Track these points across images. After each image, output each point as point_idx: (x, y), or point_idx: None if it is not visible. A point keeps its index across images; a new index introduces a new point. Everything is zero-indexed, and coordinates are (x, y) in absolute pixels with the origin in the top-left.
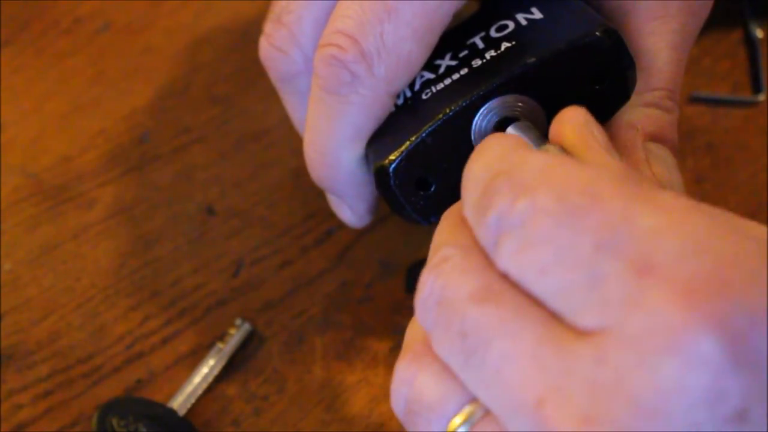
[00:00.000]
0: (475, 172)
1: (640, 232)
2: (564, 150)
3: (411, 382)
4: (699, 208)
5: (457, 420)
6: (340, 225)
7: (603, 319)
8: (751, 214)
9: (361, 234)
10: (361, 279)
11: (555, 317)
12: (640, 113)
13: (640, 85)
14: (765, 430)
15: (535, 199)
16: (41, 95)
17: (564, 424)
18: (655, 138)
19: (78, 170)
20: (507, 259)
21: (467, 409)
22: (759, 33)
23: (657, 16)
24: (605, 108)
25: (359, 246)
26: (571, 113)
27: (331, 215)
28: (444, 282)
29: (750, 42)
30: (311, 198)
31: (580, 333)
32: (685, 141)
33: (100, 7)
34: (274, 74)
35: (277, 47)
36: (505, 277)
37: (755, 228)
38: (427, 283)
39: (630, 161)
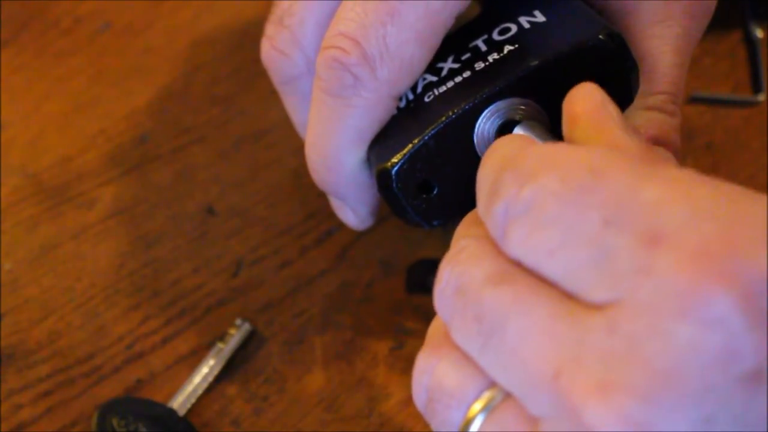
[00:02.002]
0: (485, 171)
1: (647, 203)
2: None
3: (431, 372)
4: (703, 179)
5: (477, 406)
6: (340, 225)
7: (614, 292)
8: None
9: (361, 234)
10: (361, 279)
11: (568, 296)
12: (642, 117)
13: (642, 88)
14: None
15: (540, 183)
16: (41, 95)
17: (581, 392)
18: (657, 141)
19: (78, 170)
20: (516, 247)
21: (487, 395)
22: (759, 33)
23: (660, 19)
24: None
25: (359, 246)
26: (585, 91)
27: (331, 215)
28: (460, 270)
29: (750, 42)
30: (311, 198)
31: (593, 307)
32: (685, 141)
33: (100, 7)
34: (275, 76)
35: (279, 49)
36: (517, 263)
37: (758, 194)
38: (444, 273)
39: None
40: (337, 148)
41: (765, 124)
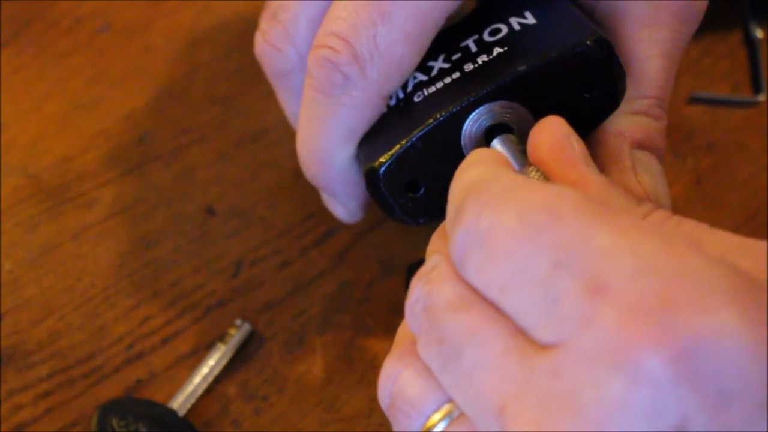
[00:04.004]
0: (454, 189)
1: (595, 251)
2: (541, 173)
3: (395, 379)
4: (656, 230)
5: (436, 417)
6: (340, 225)
7: (559, 335)
8: (751, 214)
9: (361, 234)
10: (361, 279)
11: (520, 331)
12: (628, 121)
13: (629, 92)
14: None
15: (497, 216)
16: (41, 95)
17: (519, 430)
18: (642, 146)
19: (78, 170)
20: (472, 276)
21: (446, 408)
22: (759, 33)
23: (649, 23)
24: (594, 115)
25: (359, 246)
26: (550, 125)
27: (331, 216)
28: (428, 290)
29: (750, 42)
30: (311, 198)
31: (541, 347)
32: (685, 141)
33: (100, 7)
34: (268, 70)
35: (272, 44)
36: (476, 290)
37: (725, 242)
38: (416, 289)
39: (616, 169)
40: (327, 144)
41: (765, 124)
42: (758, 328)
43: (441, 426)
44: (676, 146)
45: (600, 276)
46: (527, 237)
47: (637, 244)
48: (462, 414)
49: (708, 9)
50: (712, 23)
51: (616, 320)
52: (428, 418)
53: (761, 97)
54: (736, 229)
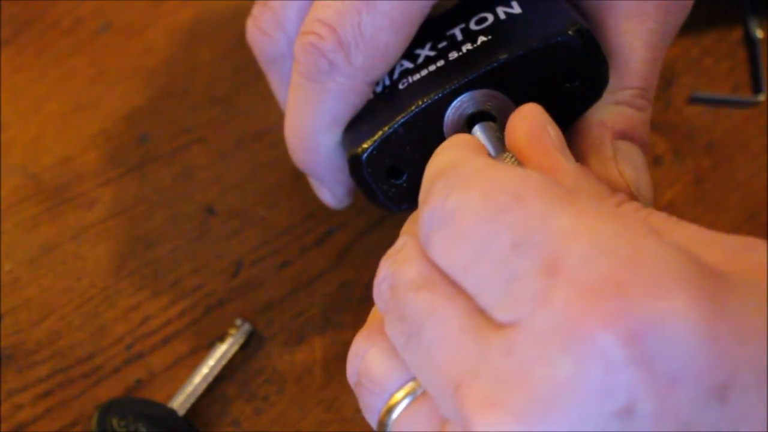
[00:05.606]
0: (427, 171)
1: (553, 232)
2: (516, 159)
3: (362, 356)
4: (616, 214)
5: (399, 395)
6: (340, 225)
7: (515, 314)
8: (751, 214)
9: (361, 234)
10: (361, 279)
11: (479, 310)
12: (611, 111)
13: (613, 82)
14: (650, 428)
15: (463, 196)
16: (41, 95)
17: (472, 406)
18: (625, 136)
19: (78, 170)
20: (437, 254)
21: (409, 386)
22: (759, 33)
23: (634, 14)
24: (577, 105)
25: (359, 246)
26: (527, 111)
27: (331, 215)
28: (394, 269)
29: (750, 42)
30: (311, 198)
31: (497, 326)
32: (685, 141)
33: (100, 7)
34: (259, 55)
35: (263, 29)
36: (440, 270)
37: (693, 234)
38: (383, 268)
39: (597, 159)
40: (312, 130)
41: (765, 124)
42: (709, 315)
43: (404, 404)
44: (676, 146)
45: (556, 257)
46: (489, 217)
47: (595, 226)
48: (424, 392)
49: (708, 9)
50: (712, 23)
51: (569, 300)
52: (391, 395)
53: (761, 97)
54: (736, 229)
